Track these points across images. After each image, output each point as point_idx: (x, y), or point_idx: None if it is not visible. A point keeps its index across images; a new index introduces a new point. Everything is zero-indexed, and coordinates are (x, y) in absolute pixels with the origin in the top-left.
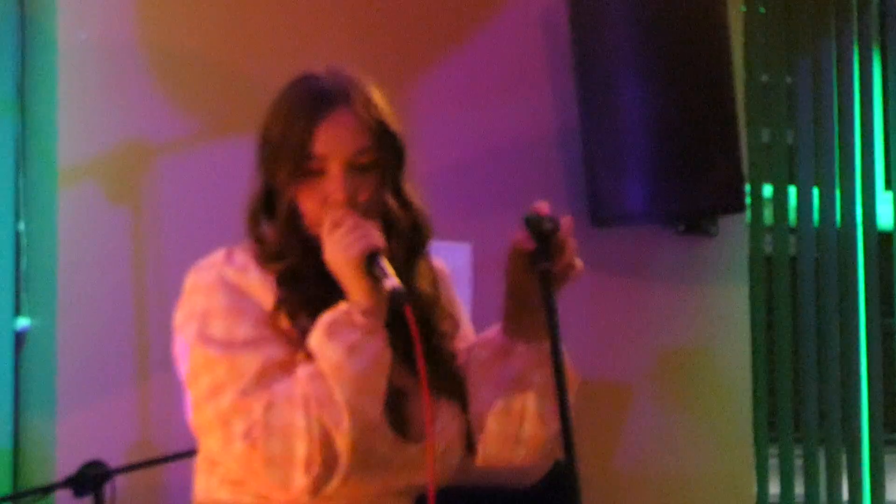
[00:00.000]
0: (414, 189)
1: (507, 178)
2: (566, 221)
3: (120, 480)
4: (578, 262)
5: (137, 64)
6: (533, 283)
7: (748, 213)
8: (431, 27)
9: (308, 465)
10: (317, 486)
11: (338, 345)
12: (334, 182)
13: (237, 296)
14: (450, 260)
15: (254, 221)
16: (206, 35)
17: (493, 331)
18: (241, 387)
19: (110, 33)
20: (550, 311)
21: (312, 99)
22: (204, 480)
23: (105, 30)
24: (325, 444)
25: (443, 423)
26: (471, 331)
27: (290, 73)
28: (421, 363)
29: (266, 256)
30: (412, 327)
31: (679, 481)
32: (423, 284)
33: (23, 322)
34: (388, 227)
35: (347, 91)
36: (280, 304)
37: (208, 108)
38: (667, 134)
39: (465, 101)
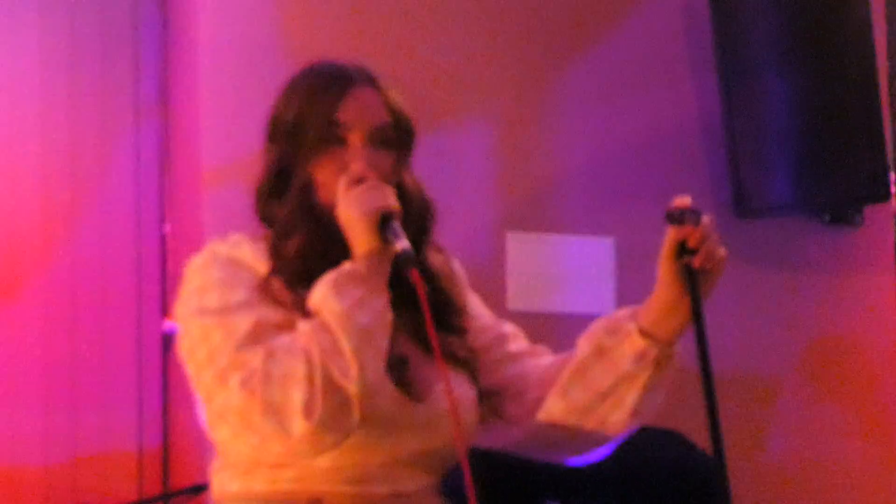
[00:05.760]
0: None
1: (650, 171)
2: (706, 217)
3: None
4: (722, 251)
5: (279, 64)
6: (681, 279)
7: (894, 202)
8: (573, 20)
9: (308, 411)
10: (319, 433)
11: (345, 298)
12: (354, 150)
13: (231, 267)
14: (592, 254)
15: (262, 202)
16: (346, 34)
17: (624, 314)
18: (236, 343)
19: (251, 34)
20: (696, 304)
21: (338, 76)
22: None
23: (246, 30)
24: (330, 391)
25: (454, 387)
26: (492, 324)
27: (431, 72)
28: (430, 324)
29: (278, 233)
30: (420, 290)
31: (829, 474)
32: (435, 262)
33: (170, 324)
34: (402, 204)
35: (370, 74)
36: (279, 272)
37: None
38: (811, 124)
39: (606, 93)
